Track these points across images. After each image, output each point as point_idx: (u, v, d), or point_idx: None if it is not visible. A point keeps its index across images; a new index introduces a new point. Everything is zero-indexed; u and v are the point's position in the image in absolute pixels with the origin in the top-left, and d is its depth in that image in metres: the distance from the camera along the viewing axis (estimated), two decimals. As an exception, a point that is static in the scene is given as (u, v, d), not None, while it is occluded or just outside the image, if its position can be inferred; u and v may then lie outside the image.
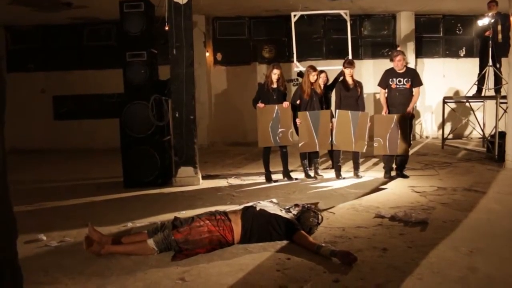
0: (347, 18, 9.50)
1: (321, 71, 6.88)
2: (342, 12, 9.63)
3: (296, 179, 6.62)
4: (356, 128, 6.43)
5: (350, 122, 6.44)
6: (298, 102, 6.62)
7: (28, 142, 11.58)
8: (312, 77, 6.48)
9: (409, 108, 6.38)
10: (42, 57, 11.97)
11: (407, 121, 6.37)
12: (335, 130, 6.52)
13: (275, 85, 6.44)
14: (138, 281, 3.10)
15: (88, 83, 11.78)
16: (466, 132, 11.53)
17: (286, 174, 6.68)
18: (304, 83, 6.52)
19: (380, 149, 6.48)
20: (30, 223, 4.60)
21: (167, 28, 6.51)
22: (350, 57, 8.67)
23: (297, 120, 6.47)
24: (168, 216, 4.53)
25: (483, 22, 8.67)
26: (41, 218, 4.95)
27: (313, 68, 6.52)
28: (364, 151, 6.59)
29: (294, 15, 9.53)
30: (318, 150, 6.71)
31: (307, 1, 10.07)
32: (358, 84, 6.62)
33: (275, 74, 6.39)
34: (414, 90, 6.43)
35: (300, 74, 8.85)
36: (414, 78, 6.43)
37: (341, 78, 6.76)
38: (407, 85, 6.36)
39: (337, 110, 6.56)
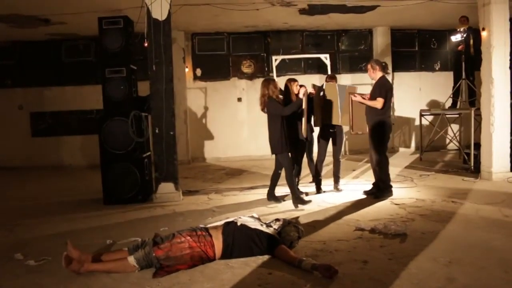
0: (327, 62, 9.96)
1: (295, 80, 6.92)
2: (322, 56, 10.16)
3: (284, 199, 6.27)
4: (343, 101, 6.46)
5: (337, 96, 6.45)
6: None
7: (5, 159, 11.35)
8: (296, 88, 6.53)
9: (357, 97, 6.21)
10: (19, 73, 11.79)
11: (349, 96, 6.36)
12: (323, 105, 6.50)
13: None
14: (118, 300, 3.07)
15: (66, 99, 11.65)
16: (443, 144, 11.73)
17: (272, 195, 6.30)
18: (292, 95, 6.55)
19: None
20: (6, 242, 4.51)
21: (146, 44, 6.53)
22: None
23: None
24: (149, 233, 4.49)
25: (456, 37, 8.87)
26: (19, 237, 4.85)
27: (294, 80, 6.56)
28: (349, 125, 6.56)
29: (275, 60, 9.99)
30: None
31: (285, 17, 10.24)
32: None
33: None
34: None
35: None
36: (375, 89, 6.19)
37: (322, 93, 6.85)
38: (368, 95, 6.28)
39: (324, 83, 6.64)
